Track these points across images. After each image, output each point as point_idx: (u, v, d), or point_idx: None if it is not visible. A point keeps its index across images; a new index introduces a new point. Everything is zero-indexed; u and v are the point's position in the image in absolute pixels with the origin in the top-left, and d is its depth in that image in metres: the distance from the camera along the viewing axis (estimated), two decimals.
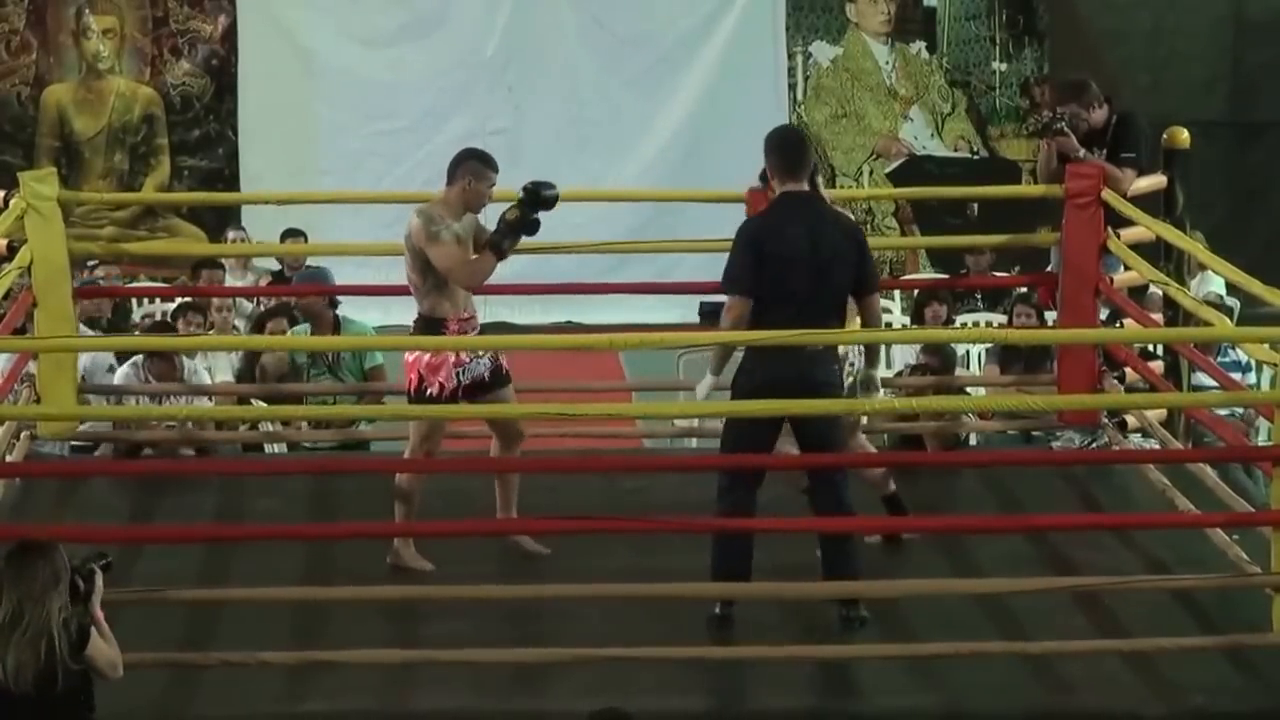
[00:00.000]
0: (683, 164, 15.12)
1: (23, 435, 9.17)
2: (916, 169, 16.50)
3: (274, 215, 13.19)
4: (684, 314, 13.48)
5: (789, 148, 7.61)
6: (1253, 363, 10.18)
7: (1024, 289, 11.05)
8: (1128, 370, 9.55)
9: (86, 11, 15.71)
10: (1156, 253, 9.44)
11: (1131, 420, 9.51)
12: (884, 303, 14.26)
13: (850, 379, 7.89)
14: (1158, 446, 9.23)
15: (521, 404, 8.09)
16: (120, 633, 6.19)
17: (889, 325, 13.99)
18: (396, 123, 15.71)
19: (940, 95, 16.80)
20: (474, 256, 7.92)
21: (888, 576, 7.65)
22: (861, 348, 8.08)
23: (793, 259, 7.37)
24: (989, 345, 11.03)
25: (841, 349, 7.94)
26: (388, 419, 9.38)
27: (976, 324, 12.81)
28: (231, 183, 15.55)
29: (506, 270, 8.23)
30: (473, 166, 8.01)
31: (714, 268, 7.84)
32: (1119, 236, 9.29)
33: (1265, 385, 9.41)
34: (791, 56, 16.43)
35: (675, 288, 11.89)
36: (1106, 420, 9.54)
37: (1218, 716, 6.95)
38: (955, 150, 16.71)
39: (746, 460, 7.43)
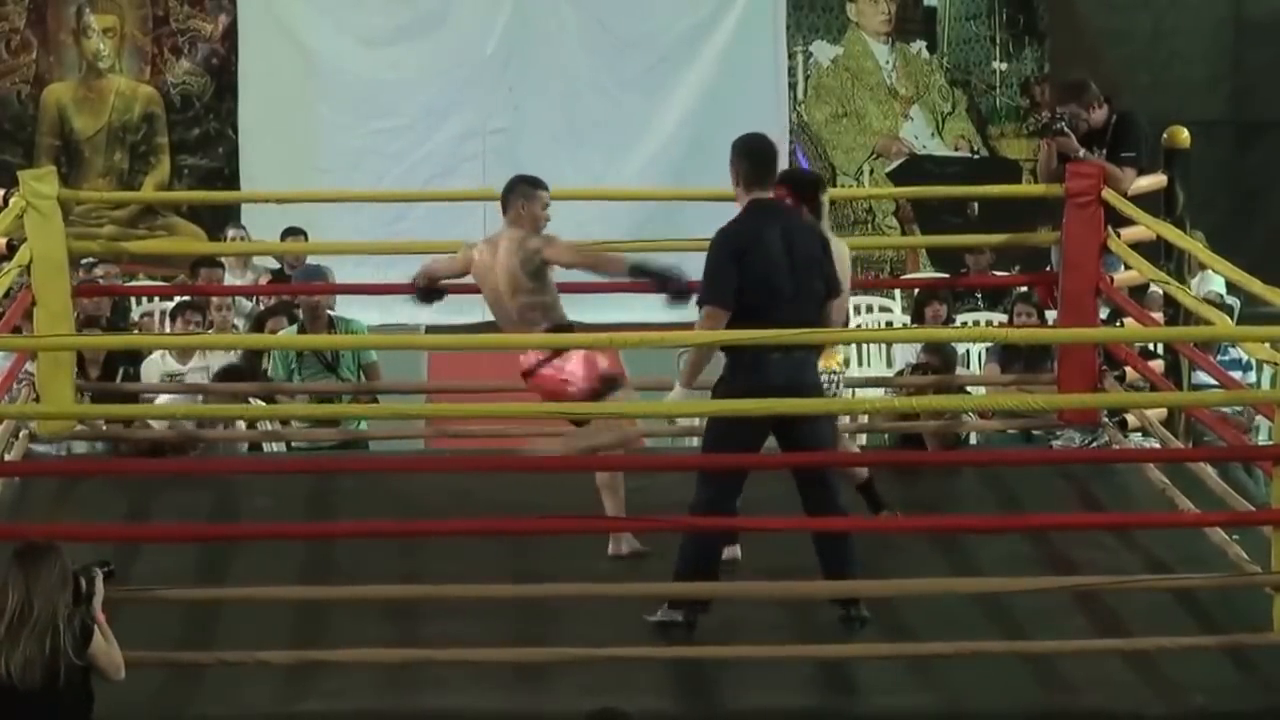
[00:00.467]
0: (683, 163, 15.12)
1: (21, 434, 9.17)
2: (917, 168, 16.49)
3: (274, 214, 13.18)
4: (684, 313, 13.47)
5: (760, 156, 7.62)
6: (1253, 362, 10.17)
7: (1024, 288, 11.05)
8: (1128, 369, 9.55)
9: (87, 10, 15.70)
10: (1157, 252, 9.44)
11: (1132, 419, 9.50)
12: (885, 302, 14.39)
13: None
14: (1158, 446, 9.23)
15: (522, 403, 8.07)
16: (120, 632, 6.23)
17: (889, 325, 14.04)
18: (396, 121, 15.70)
19: (940, 95, 16.79)
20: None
21: (888, 576, 7.64)
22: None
23: (775, 264, 7.39)
24: (989, 344, 11.02)
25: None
26: (385, 419, 9.40)
27: (977, 323, 12.82)
28: (231, 181, 15.53)
29: None
30: (522, 190, 8.18)
31: None
32: (1119, 236, 9.29)
33: (1266, 384, 9.42)
34: (792, 56, 16.42)
35: None
36: (1107, 419, 9.54)
37: (1218, 716, 6.95)
38: (955, 150, 16.71)
39: (747, 460, 7.42)
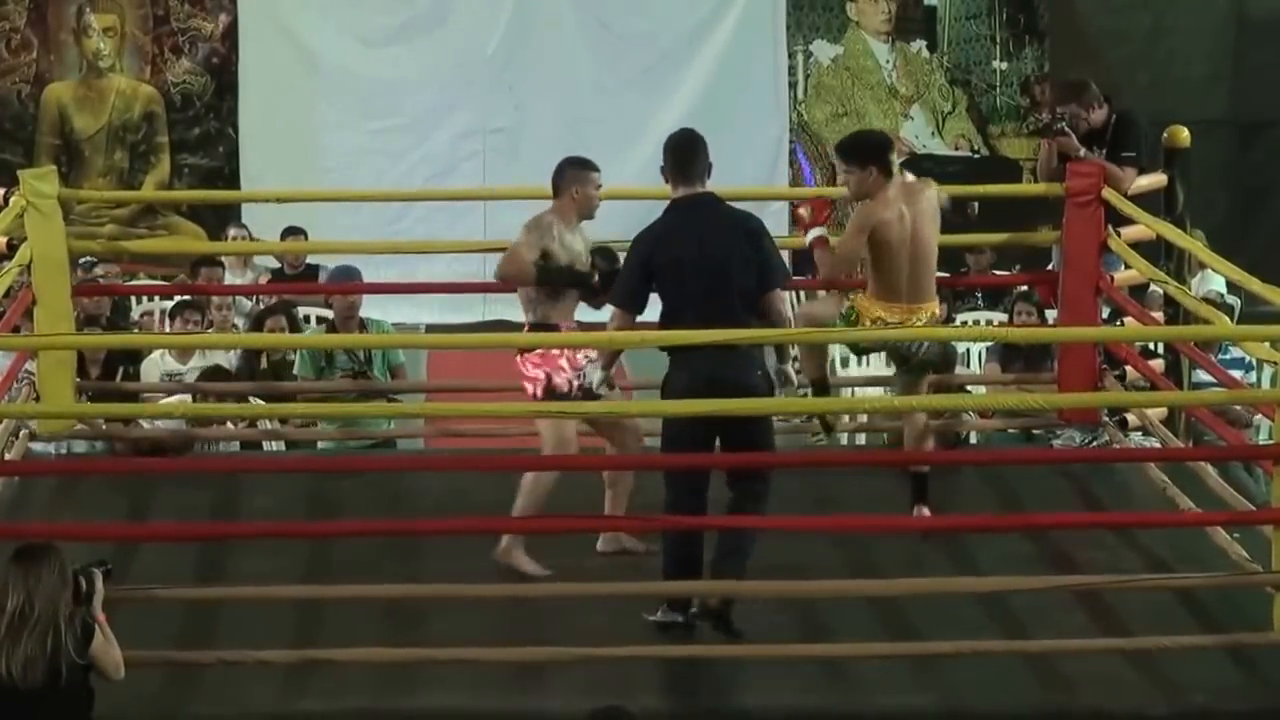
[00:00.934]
0: None
1: (21, 433, 9.17)
2: (917, 168, 16.38)
3: (274, 213, 13.17)
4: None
5: (680, 152, 7.59)
6: (1254, 361, 10.17)
7: (1024, 287, 11.05)
8: (1128, 369, 9.54)
9: (87, 10, 15.71)
10: (1157, 251, 9.44)
11: (1132, 419, 9.50)
12: None
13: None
14: (1158, 445, 9.23)
15: (523, 402, 8.07)
16: (119, 631, 6.24)
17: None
18: (397, 121, 15.71)
19: (941, 94, 16.79)
20: (530, 261, 7.89)
21: (888, 575, 7.64)
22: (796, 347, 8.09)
23: (682, 264, 7.37)
24: (989, 344, 11.02)
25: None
26: (385, 417, 9.38)
27: (977, 322, 12.80)
28: (232, 181, 15.53)
29: None
30: (575, 173, 8.07)
31: None
32: (1119, 235, 9.28)
33: (1266, 384, 9.41)
34: (792, 55, 16.43)
35: None
36: (1107, 419, 9.54)
37: (1219, 715, 6.95)
38: (956, 149, 16.71)
39: (747, 459, 7.42)
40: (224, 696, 6.92)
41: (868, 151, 8.16)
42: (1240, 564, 7.71)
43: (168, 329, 11.11)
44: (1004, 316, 11.88)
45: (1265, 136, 16.75)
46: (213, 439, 9.81)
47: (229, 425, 9.82)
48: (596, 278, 7.97)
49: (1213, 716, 6.94)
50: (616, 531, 8.00)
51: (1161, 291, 9.40)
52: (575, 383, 7.88)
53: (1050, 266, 10.10)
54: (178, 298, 11.40)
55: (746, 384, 7.34)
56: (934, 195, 8.27)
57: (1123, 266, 9.46)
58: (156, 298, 12.87)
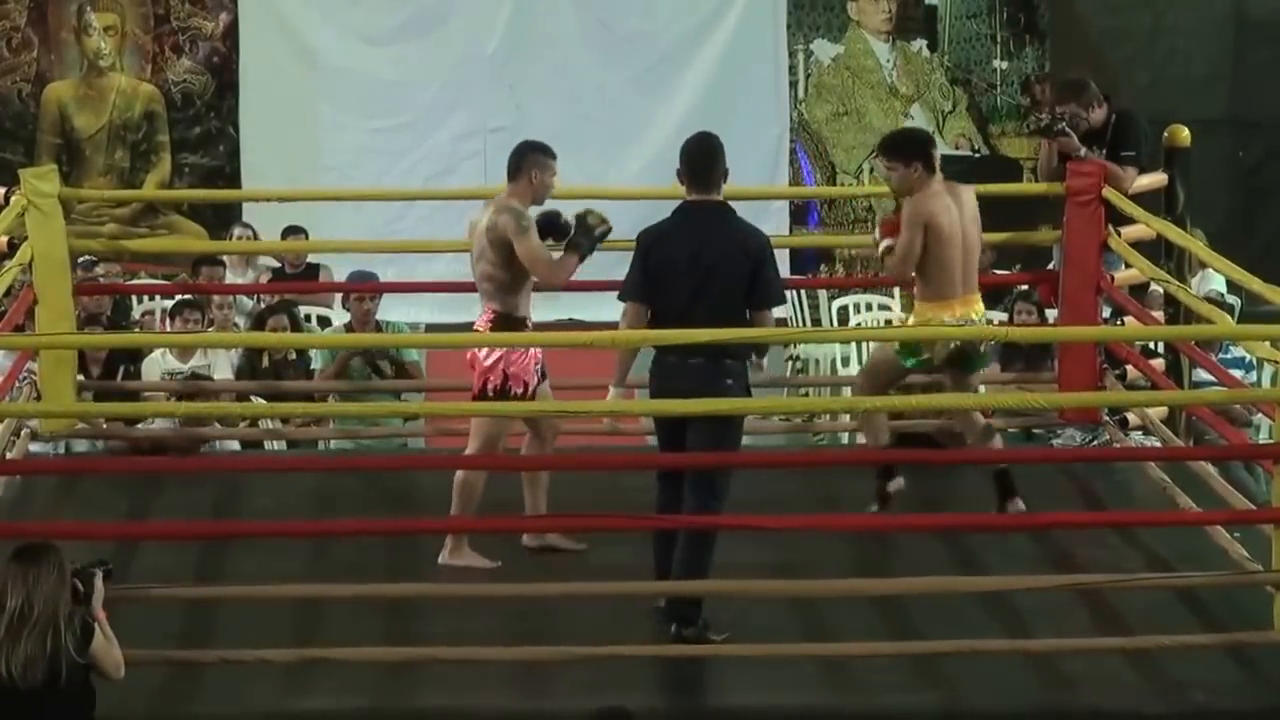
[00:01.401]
0: None
1: (22, 433, 9.17)
2: None
3: (275, 212, 13.18)
4: None
5: (696, 157, 7.63)
6: (1254, 360, 10.18)
7: (1025, 286, 11.05)
8: (1129, 368, 9.55)
9: (88, 9, 15.70)
10: (1157, 250, 9.44)
11: (1133, 418, 9.51)
12: (885, 300, 14.37)
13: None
14: (1159, 444, 9.23)
15: (523, 401, 8.08)
16: (120, 630, 6.24)
17: (889, 323, 14.03)
18: (397, 120, 15.70)
19: (941, 93, 16.78)
20: (557, 256, 7.97)
21: (890, 574, 7.65)
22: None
23: (673, 270, 7.40)
24: (990, 343, 11.01)
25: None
26: (385, 416, 9.38)
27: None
28: (232, 180, 15.52)
29: None
30: (536, 159, 8.10)
31: None
32: (1120, 234, 9.29)
33: (1266, 383, 9.41)
34: (792, 54, 16.41)
35: None
36: (1107, 418, 9.54)
37: (1219, 714, 6.95)
38: (956, 148, 16.68)
39: (746, 459, 7.44)
40: (225, 695, 6.92)
41: (912, 148, 8.27)
42: (1240, 563, 7.71)
43: (168, 328, 11.13)
44: (1004, 316, 11.87)
45: (1265, 135, 16.74)
46: (215, 439, 9.81)
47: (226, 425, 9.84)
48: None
49: (1213, 715, 6.94)
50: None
51: (1162, 291, 9.40)
52: (530, 384, 7.91)
53: (1051, 266, 10.10)
54: (179, 297, 11.41)
55: (713, 391, 7.30)
56: (974, 196, 8.35)
57: (1123, 266, 9.46)
58: (157, 297, 12.88)
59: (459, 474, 8.05)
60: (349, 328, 10.96)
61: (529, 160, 8.09)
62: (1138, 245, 9.28)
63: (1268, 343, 7.45)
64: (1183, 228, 9.34)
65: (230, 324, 11.24)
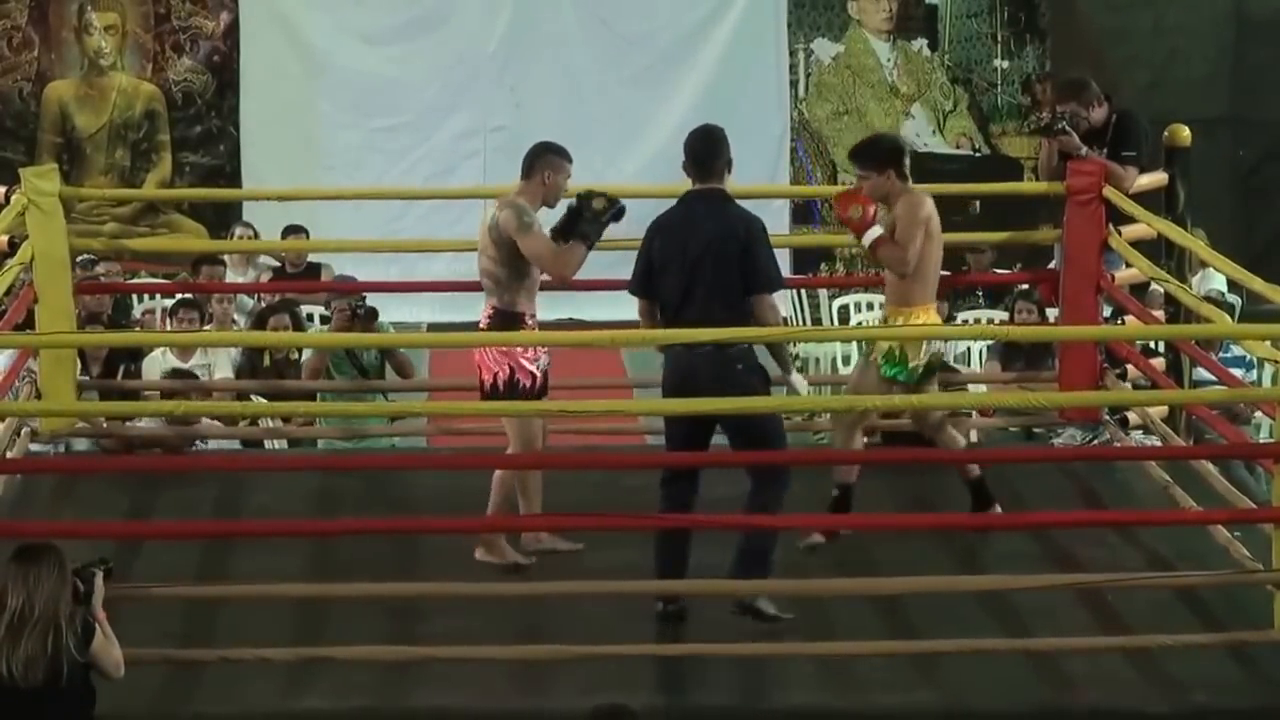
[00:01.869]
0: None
1: (23, 432, 9.17)
2: (918, 166, 16.42)
3: (275, 211, 13.18)
4: None
5: (695, 147, 7.67)
6: (1254, 360, 10.18)
7: (1025, 286, 11.05)
8: (1129, 367, 9.55)
9: (89, 8, 15.70)
10: (1158, 250, 9.45)
11: (1133, 417, 9.50)
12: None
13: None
14: (1159, 443, 9.23)
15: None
16: (120, 629, 6.24)
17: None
18: (398, 119, 15.71)
19: (942, 92, 16.78)
20: (564, 246, 7.93)
21: (890, 573, 7.64)
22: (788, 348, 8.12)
23: (668, 260, 7.45)
24: (990, 342, 11.02)
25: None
26: (385, 416, 9.36)
27: (978, 321, 12.81)
28: (233, 179, 15.53)
29: None
30: (550, 160, 8.07)
31: None
32: (1120, 234, 9.29)
33: (1267, 382, 9.42)
34: (793, 53, 16.41)
35: None
36: (1108, 417, 9.54)
37: (1219, 713, 6.95)
38: (957, 147, 16.70)
39: (750, 458, 7.44)
40: (225, 695, 6.92)
41: (884, 155, 8.20)
42: (1241, 562, 7.71)
43: (168, 327, 11.12)
44: (1005, 315, 11.89)
45: (1266, 135, 16.74)
46: (213, 438, 9.81)
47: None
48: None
49: (1213, 714, 6.94)
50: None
51: (1162, 290, 9.40)
52: (537, 377, 7.92)
53: (1051, 265, 10.10)
54: (179, 296, 11.41)
55: (723, 384, 7.31)
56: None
57: (1124, 265, 9.46)
58: (158, 296, 12.87)
59: (497, 472, 8.04)
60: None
61: (543, 160, 8.07)
62: (1138, 244, 9.28)
63: (1268, 342, 7.46)
64: (1183, 227, 9.34)
65: (229, 319, 11.24)
